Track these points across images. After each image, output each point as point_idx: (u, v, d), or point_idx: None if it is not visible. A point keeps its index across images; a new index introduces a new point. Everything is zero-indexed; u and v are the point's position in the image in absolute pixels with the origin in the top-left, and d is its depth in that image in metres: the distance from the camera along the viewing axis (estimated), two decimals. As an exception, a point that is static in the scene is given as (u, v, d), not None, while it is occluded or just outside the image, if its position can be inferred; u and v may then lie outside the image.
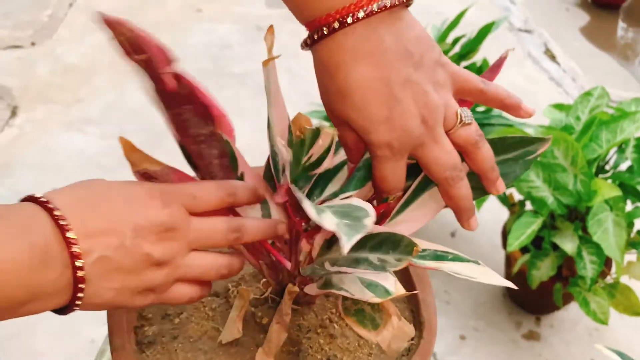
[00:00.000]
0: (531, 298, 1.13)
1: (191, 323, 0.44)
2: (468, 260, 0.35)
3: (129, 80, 1.68)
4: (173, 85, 0.26)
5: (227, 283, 0.47)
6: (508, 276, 1.17)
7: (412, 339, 0.38)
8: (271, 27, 0.37)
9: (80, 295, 0.29)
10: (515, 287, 0.34)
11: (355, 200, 0.33)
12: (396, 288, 0.33)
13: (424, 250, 0.36)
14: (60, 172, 1.37)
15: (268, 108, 0.38)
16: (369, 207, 0.31)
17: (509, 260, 1.12)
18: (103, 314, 1.14)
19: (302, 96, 1.67)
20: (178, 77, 0.26)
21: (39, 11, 1.96)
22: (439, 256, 0.36)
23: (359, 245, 0.32)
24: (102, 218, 0.30)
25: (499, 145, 0.38)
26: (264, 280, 0.45)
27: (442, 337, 1.11)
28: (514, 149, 0.38)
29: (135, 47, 0.27)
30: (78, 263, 0.28)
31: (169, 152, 1.51)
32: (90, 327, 1.09)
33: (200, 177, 0.37)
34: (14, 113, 1.53)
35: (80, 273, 0.29)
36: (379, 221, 0.35)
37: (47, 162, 1.40)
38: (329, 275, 0.38)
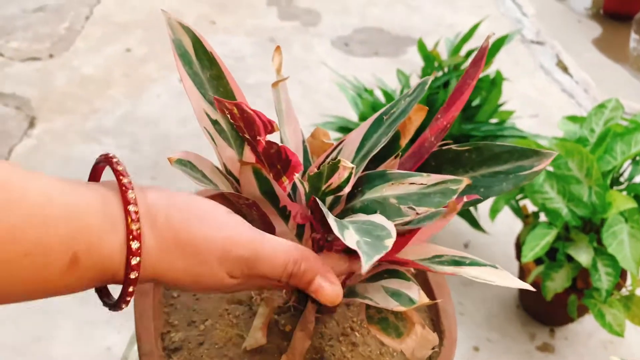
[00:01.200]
0: (545, 309, 1.13)
1: (216, 330, 0.45)
2: (485, 265, 0.36)
3: (143, 91, 1.71)
4: (263, 145, 0.34)
5: (250, 291, 0.48)
6: (520, 288, 1.17)
7: (435, 347, 0.39)
8: (278, 47, 0.39)
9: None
10: (533, 289, 0.34)
11: (379, 218, 0.33)
12: (420, 297, 0.34)
13: (441, 256, 0.37)
14: (77, 182, 1.39)
15: (280, 127, 0.39)
16: (391, 227, 0.31)
17: (523, 271, 1.12)
18: (119, 322, 1.15)
19: (314, 107, 1.69)
20: (269, 142, 0.34)
21: (57, 24, 2.00)
22: (456, 262, 0.36)
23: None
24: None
25: (486, 153, 0.34)
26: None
27: (456, 348, 1.11)
28: (505, 160, 0.34)
29: (246, 122, 0.33)
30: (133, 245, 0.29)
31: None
32: (106, 334, 1.10)
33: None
34: (32, 124, 1.56)
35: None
36: (402, 235, 0.36)
37: (65, 172, 1.42)
38: (353, 282, 0.39)
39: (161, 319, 0.45)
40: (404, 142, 0.38)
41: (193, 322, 0.45)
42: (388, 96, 1.20)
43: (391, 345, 0.35)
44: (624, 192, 0.97)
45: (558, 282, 0.96)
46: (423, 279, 0.47)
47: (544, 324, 1.16)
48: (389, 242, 0.27)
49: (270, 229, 0.37)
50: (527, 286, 0.33)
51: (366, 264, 0.25)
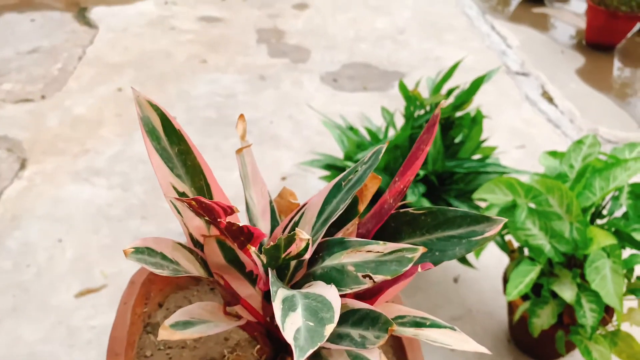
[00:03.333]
0: (535, 345, 1.12)
1: (187, 391, 0.45)
2: (445, 327, 0.36)
3: (134, 130, 1.73)
4: (224, 224, 0.35)
5: (223, 349, 0.49)
6: (511, 323, 1.17)
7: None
8: (242, 115, 0.40)
9: None
10: (489, 353, 0.35)
11: (331, 293, 0.33)
12: (380, 361, 0.34)
13: (403, 317, 0.38)
14: (68, 223, 1.40)
15: (246, 191, 0.40)
16: (337, 308, 0.31)
17: (511, 306, 1.12)
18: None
19: (304, 143, 1.71)
20: (229, 222, 0.35)
21: (50, 65, 2.04)
22: (417, 323, 0.37)
23: (342, 320, 0.34)
24: None
25: (440, 217, 0.36)
26: (259, 347, 0.47)
27: (446, 387, 1.10)
28: (458, 225, 0.35)
29: (205, 209, 0.35)
30: None
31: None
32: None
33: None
34: (23, 165, 1.58)
35: None
36: (369, 298, 0.37)
37: (56, 213, 1.43)
38: (318, 349, 0.39)
39: (133, 381, 0.45)
40: (362, 207, 0.39)
41: (165, 382, 0.46)
42: (372, 135, 1.22)
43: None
44: (605, 227, 0.98)
45: (544, 318, 0.96)
46: (388, 339, 0.48)
47: (534, 359, 1.15)
48: (329, 330, 0.28)
49: (235, 298, 0.38)
50: (483, 349, 0.34)
51: (299, 359, 0.26)
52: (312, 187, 1.54)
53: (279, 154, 1.65)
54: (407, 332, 0.36)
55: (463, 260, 1.20)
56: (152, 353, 0.48)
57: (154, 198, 1.48)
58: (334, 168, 1.24)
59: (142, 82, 1.96)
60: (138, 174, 1.57)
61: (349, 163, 1.18)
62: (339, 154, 1.58)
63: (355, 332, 0.33)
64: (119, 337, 0.46)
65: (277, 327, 0.43)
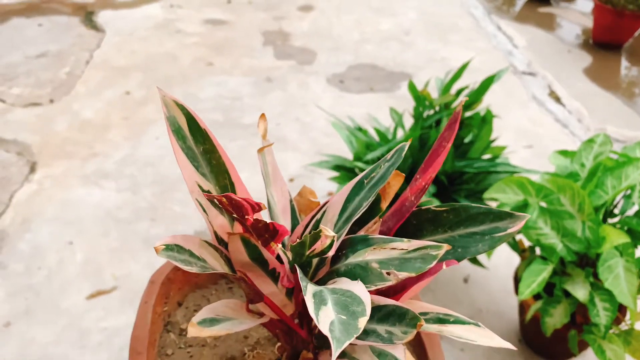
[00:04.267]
0: (547, 345, 1.12)
1: (209, 389, 0.45)
2: (469, 323, 0.37)
3: (142, 133, 1.73)
4: (251, 222, 0.36)
5: (243, 347, 0.49)
6: (522, 322, 1.17)
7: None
8: (263, 115, 0.40)
9: None
10: (514, 349, 0.35)
11: (359, 288, 0.34)
12: (406, 358, 0.34)
13: (426, 313, 0.38)
14: (78, 226, 1.40)
15: (267, 189, 0.40)
16: (367, 303, 0.32)
17: (523, 306, 1.12)
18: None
19: (312, 144, 1.71)
20: (256, 220, 0.35)
21: (58, 69, 2.05)
22: (441, 319, 0.37)
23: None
24: None
25: (462, 214, 0.36)
26: (279, 345, 0.47)
27: (458, 387, 1.10)
28: (481, 222, 0.35)
29: (234, 206, 0.35)
30: None
31: (182, 202, 1.58)
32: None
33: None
34: (32, 169, 1.59)
35: None
36: (393, 295, 0.37)
37: (66, 216, 1.44)
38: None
39: (155, 380, 0.46)
40: (384, 205, 0.39)
41: (187, 381, 0.46)
42: (382, 135, 1.22)
43: (379, 405, 0.36)
44: (618, 226, 0.98)
45: (557, 318, 0.96)
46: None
47: (546, 359, 1.15)
48: (362, 322, 0.28)
49: (259, 296, 0.38)
50: (508, 345, 0.34)
51: (336, 351, 0.26)
52: (320, 189, 1.54)
53: (286, 155, 1.66)
54: (430, 328, 0.37)
55: (473, 260, 1.19)
56: (173, 351, 0.49)
57: (163, 201, 1.49)
58: (342, 169, 1.24)
59: (149, 85, 1.96)
60: (146, 177, 1.57)
61: (358, 164, 1.18)
62: (348, 155, 1.58)
63: (381, 328, 0.34)
64: (140, 336, 0.47)
65: (298, 324, 0.43)
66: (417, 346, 0.47)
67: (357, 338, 0.34)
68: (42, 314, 1.20)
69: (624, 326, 0.99)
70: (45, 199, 1.49)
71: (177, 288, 0.53)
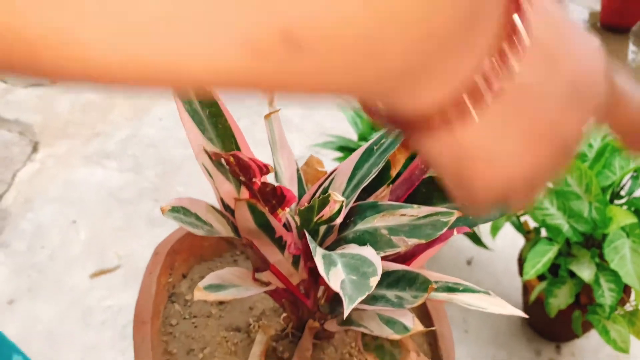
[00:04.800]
0: (550, 326, 1.12)
1: (215, 358, 0.45)
2: (479, 291, 0.36)
3: (145, 114, 1.72)
4: (258, 185, 0.35)
5: (248, 318, 0.49)
6: (526, 304, 1.16)
7: (431, 374, 0.39)
8: None
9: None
10: (526, 316, 0.34)
11: (368, 251, 0.34)
12: (414, 324, 0.34)
13: (436, 282, 0.37)
14: (81, 206, 1.40)
15: (273, 156, 0.39)
16: (378, 264, 0.32)
17: (526, 287, 1.12)
18: (124, 346, 1.15)
19: (315, 127, 1.70)
20: (264, 183, 0.35)
21: (60, 49, 2.04)
22: (450, 288, 0.37)
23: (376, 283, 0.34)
24: None
25: None
26: (285, 315, 0.47)
27: (461, 367, 1.11)
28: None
29: (241, 166, 0.34)
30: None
31: (185, 183, 1.57)
32: (110, 357, 1.10)
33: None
34: (35, 149, 1.58)
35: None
36: (402, 263, 0.36)
37: (68, 196, 1.43)
38: (349, 313, 0.39)
39: (160, 348, 0.45)
40: (394, 172, 0.39)
41: (192, 350, 0.46)
42: (386, 115, 1.20)
43: (387, 373, 0.36)
44: (624, 207, 0.97)
45: (561, 298, 0.95)
46: (421, 305, 0.47)
47: (549, 340, 1.15)
48: (374, 281, 0.28)
49: (265, 263, 0.37)
50: (520, 313, 0.34)
51: (348, 308, 0.26)
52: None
53: (290, 136, 1.65)
54: (439, 296, 0.36)
55: (477, 242, 1.19)
56: (177, 322, 0.48)
57: (166, 182, 1.48)
58: (347, 150, 1.23)
59: (152, 65, 1.95)
60: (149, 158, 1.57)
61: (363, 144, 1.17)
62: (352, 136, 1.57)
63: (391, 294, 0.33)
64: (144, 306, 0.46)
65: (304, 293, 0.43)
66: (424, 318, 0.46)
67: (366, 303, 0.34)
68: (45, 292, 1.20)
69: (628, 307, 0.99)
70: (48, 178, 1.49)
71: (182, 260, 0.53)
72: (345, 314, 0.26)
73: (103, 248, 1.30)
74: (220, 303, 0.50)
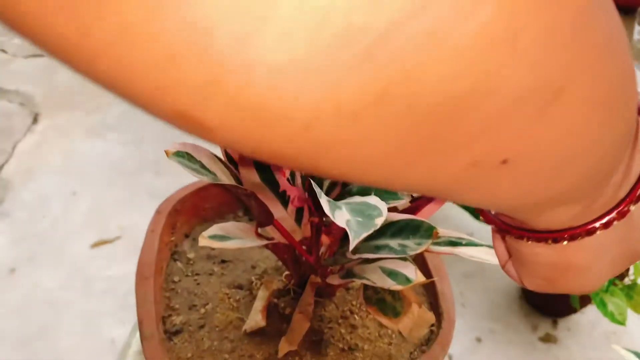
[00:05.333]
0: (548, 300, 1.13)
1: (217, 313, 0.45)
2: (481, 245, 0.36)
3: (148, 87, 1.71)
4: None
5: (250, 276, 0.49)
6: (524, 279, 1.17)
7: (433, 325, 0.39)
8: None
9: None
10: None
11: (373, 199, 0.34)
12: (417, 275, 0.34)
13: (439, 237, 0.37)
14: (82, 177, 1.40)
15: None
16: (383, 207, 0.32)
17: (525, 262, 1.13)
18: (124, 314, 1.16)
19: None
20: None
21: (60, 21, 2.02)
22: (453, 242, 0.37)
23: (379, 233, 0.34)
24: None
25: None
26: (287, 273, 0.47)
27: (459, 339, 1.12)
28: None
29: None
30: None
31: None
32: (111, 327, 1.11)
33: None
34: (35, 120, 1.57)
35: None
36: (413, 213, 0.36)
37: (69, 167, 1.43)
38: (351, 265, 0.39)
39: (162, 304, 0.46)
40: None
41: (194, 306, 0.46)
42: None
43: (388, 325, 0.36)
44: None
45: (560, 272, 0.96)
46: (421, 262, 0.48)
47: (546, 315, 1.16)
48: (379, 221, 0.28)
49: (269, 217, 0.37)
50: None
51: (354, 241, 0.26)
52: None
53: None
54: (442, 249, 0.36)
55: (477, 217, 1.19)
56: (180, 279, 0.49)
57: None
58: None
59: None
60: (150, 131, 1.56)
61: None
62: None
63: (394, 242, 0.33)
64: (147, 262, 0.47)
65: (307, 250, 0.43)
66: (425, 276, 0.47)
67: (369, 252, 0.34)
68: (46, 261, 1.21)
69: (627, 282, 0.99)
70: (49, 149, 1.48)
71: (184, 220, 0.53)
72: (352, 246, 0.26)
73: (104, 219, 1.30)
74: (223, 261, 0.51)
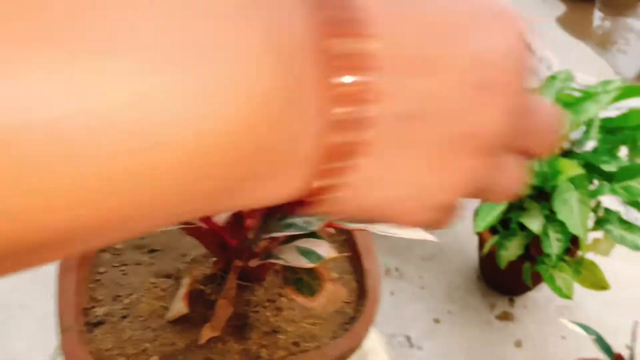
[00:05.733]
0: (504, 279, 1.15)
1: (141, 303, 0.44)
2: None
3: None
4: None
5: (178, 264, 0.48)
6: (480, 260, 1.19)
7: (360, 305, 0.39)
8: None
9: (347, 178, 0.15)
10: (437, 241, 0.34)
11: None
12: (328, 253, 0.34)
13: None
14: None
15: None
16: None
17: (482, 242, 1.14)
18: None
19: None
20: None
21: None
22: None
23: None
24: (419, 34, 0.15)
25: None
26: (214, 259, 0.46)
27: (417, 322, 1.13)
28: None
29: None
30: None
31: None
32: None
33: None
34: None
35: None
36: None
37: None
38: (271, 247, 0.39)
39: (85, 295, 0.45)
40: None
41: (118, 296, 0.45)
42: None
43: (304, 304, 0.36)
44: (575, 160, 0.99)
45: (511, 250, 0.97)
46: (351, 244, 0.48)
47: (503, 294, 1.18)
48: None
49: None
50: (430, 237, 0.34)
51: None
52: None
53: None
54: (356, 226, 0.36)
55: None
56: (106, 270, 0.47)
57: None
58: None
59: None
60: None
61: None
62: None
63: (299, 220, 0.33)
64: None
65: (230, 234, 0.42)
66: (355, 257, 0.47)
67: (279, 231, 0.33)
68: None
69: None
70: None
71: (114, 209, 0.52)
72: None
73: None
74: (152, 251, 0.50)
